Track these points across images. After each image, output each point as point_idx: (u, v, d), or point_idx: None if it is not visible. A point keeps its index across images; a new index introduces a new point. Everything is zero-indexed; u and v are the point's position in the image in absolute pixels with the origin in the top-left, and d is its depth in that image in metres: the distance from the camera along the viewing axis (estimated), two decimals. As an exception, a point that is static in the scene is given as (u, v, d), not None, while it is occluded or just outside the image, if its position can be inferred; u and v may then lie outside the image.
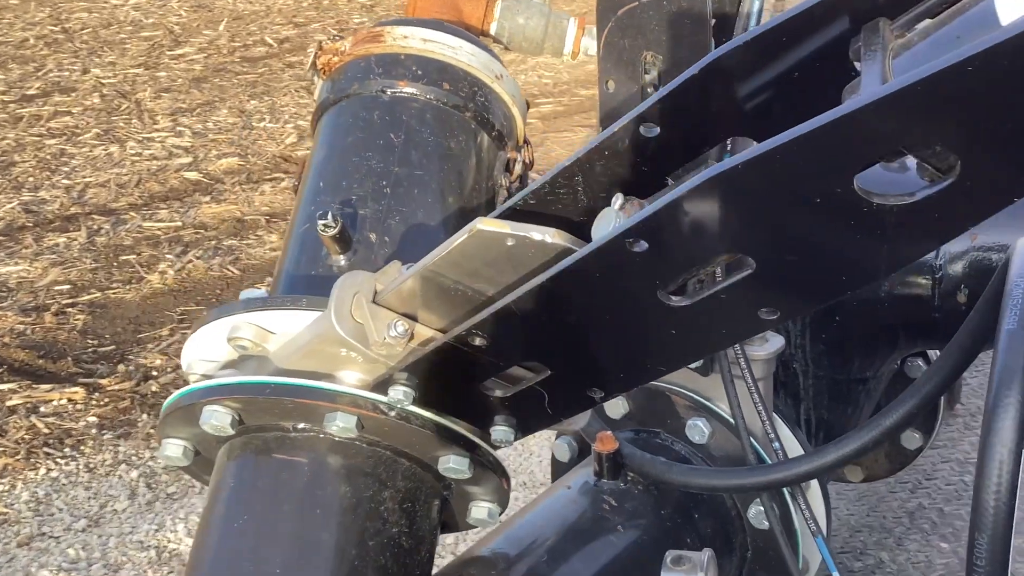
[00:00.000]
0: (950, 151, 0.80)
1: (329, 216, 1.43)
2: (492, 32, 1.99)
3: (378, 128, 1.61)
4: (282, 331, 1.38)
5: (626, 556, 1.62)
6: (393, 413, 1.31)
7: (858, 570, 2.27)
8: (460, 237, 1.15)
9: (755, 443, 1.72)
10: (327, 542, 1.30)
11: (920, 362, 2.14)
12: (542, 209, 1.21)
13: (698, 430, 1.78)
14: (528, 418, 1.28)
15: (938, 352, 2.07)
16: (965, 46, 0.72)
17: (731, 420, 1.73)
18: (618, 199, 1.12)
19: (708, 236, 0.93)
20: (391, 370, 1.25)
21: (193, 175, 5.86)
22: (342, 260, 1.48)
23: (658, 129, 1.06)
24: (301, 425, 1.34)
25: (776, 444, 1.68)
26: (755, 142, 1.09)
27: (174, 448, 1.43)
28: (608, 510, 1.67)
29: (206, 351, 1.44)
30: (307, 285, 1.50)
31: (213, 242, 5.17)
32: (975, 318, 1.40)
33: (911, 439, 2.19)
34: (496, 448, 1.40)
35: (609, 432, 1.73)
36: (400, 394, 1.26)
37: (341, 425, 1.30)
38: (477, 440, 1.37)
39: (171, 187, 5.71)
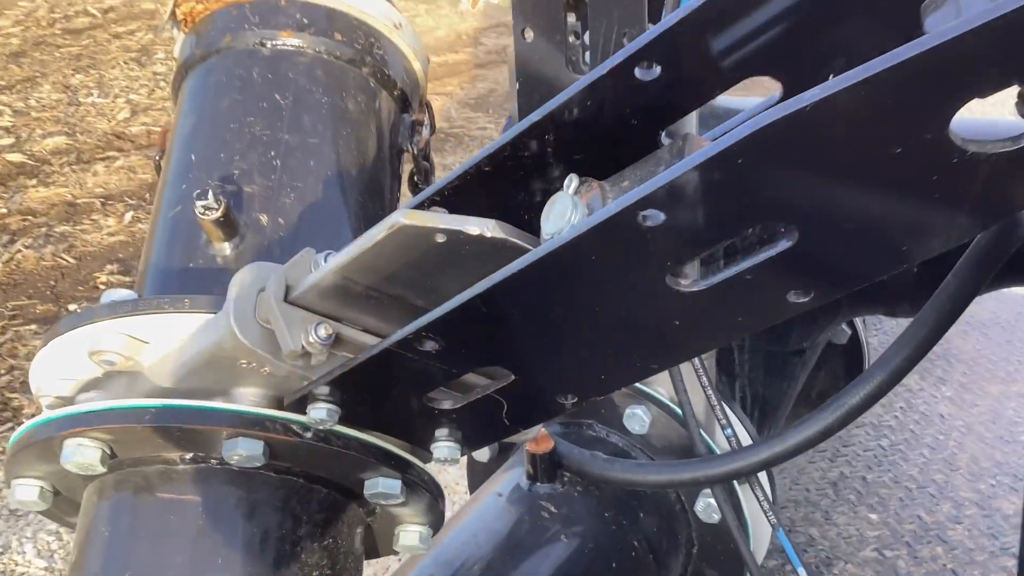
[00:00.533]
0: None
1: (210, 196, 1.17)
2: (383, -23, 1.74)
3: (260, 88, 1.35)
4: (158, 340, 1.12)
5: (573, 570, 1.42)
6: (309, 434, 1.07)
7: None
8: (379, 233, 0.91)
9: (702, 432, 1.54)
10: None
11: (844, 327, 2.01)
12: (488, 187, 0.97)
13: (637, 419, 1.59)
14: (478, 430, 1.07)
15: (878, 317, 1.95)
16: None
17: (672, 407, 1.55)
18: (572, 181, 0.91)
19: (746, 203, 0.73)
20: (311, 384, 1.01)
21: (16, 157, 5.38)
22: (227, 248, 1.23)
23: (659, 69, 0.84)
24: (190, 456, 1.08)
25: (728, 431, 1.51)
26: (781, 83, 0.89)
27: (27, 490, 1.16)
28: (548, 518, 1.47)
29: (61, 368, 1.17)
30: (184, 281, 1.24)
31: (43, 229, 4.75)
32: (955, 281, 1.24)
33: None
34: (428, 463, 1.18)
35: (544, 430, 1.52)
36: (323, 413, 1.02)
37: (244, 453, 1.05)
38: (409, 458, 1.15)
39: (-8, 170, 5.24)
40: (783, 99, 0.88)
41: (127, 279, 4.42)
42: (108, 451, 1.07)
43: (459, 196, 0.97)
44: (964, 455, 2.38)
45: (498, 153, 0.92)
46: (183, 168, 1.32)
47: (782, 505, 2.29)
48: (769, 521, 1.48)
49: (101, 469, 1.07)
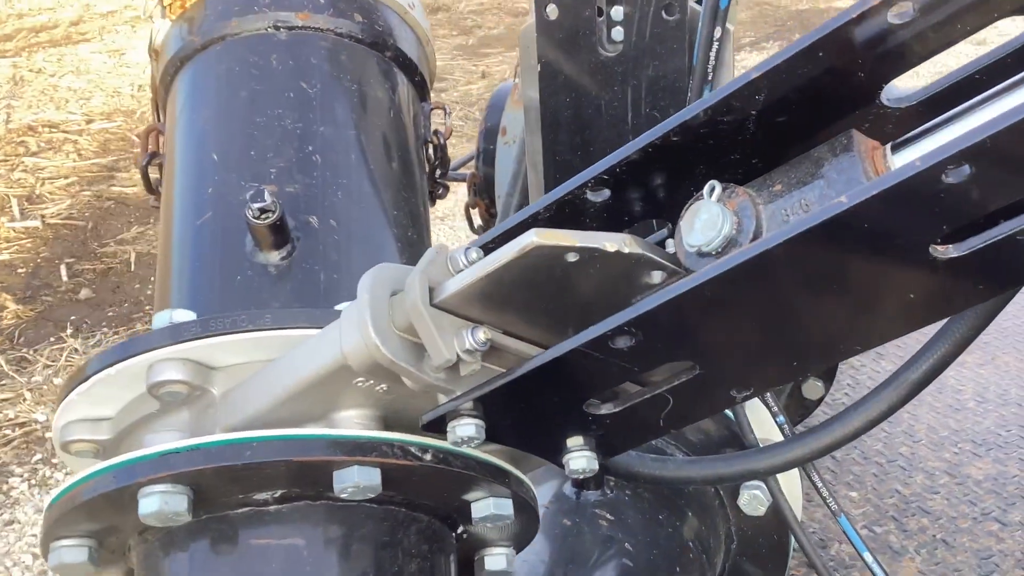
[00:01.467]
0: None
1: (267, 197, 1.03)
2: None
3: (282, 77, 1.20)
4: (229, 365, 0.97)
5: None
6: (428, 456, 0.94)
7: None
8: (512, 251, 0.81)
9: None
10: None
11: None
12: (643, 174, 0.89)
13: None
14: (625, 435, 0.96)
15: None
16: None
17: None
18: (716, 188, 0.84)
19: None
20: (458, 398, 0.88)
21: None
22: (276, 257, 1.08)
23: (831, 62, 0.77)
24: (281, 493, 0.94)
25: (780, 418, 1.45)
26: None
27: (75, 552, 0.99)
28: (606, 527, 1.37)
29: (99, 408, 1.01)
30: (231, 295, 1.09)
31: None
32: None
33: (813, 389, 2.05)
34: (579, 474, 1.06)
35: (587, 433, 1.42)
36: (471, 429, 0.89)
37: (361, 483, 0.91)
38: (520, 474, 1.03)
39: None
40: None
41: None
42: (192, 496, 0.92)
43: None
44: (921, 426, 2.42)
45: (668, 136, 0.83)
46: (203, 170, 1.17)
47: (763, 492, 2.27)
48: (831, 508, 1.43)
49: (188, 518, 0.91)
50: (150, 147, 1.31)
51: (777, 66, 0.79)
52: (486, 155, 2.20)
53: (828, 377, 2.06)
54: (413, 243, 1.18)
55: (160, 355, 0.95)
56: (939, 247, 0.74)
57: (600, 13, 1.37)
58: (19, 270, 5.20)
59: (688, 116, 0.83)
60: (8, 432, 3.95)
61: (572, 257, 0.83)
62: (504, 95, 2.25)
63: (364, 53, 1.26)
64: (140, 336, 0.97)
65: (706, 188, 0.86)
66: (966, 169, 0.67)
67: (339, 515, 0.95)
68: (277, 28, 1.22)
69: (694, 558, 1.43)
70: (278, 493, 0.94)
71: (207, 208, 1.13)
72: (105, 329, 4.25)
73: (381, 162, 1.21)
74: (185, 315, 0.99)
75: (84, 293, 4.62)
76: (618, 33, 1.35)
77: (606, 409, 0.91)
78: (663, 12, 1.30)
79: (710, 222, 0.85)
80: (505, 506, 1.01)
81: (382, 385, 0.91)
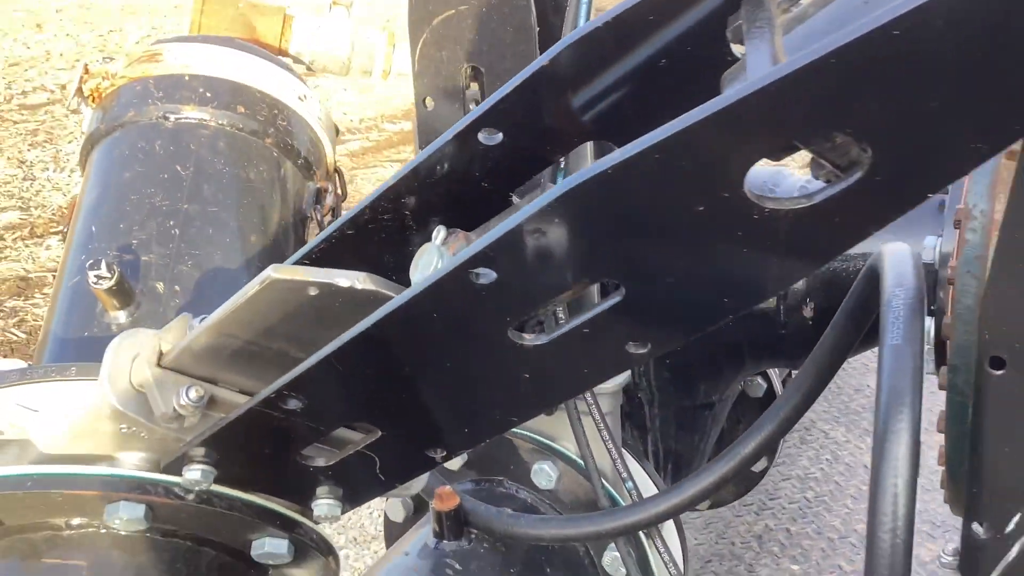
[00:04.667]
0: (859, 141, 0.66)
1: (103, 266, 1.20)
2: (292, 52, 1.80)
3: (161, 160, 1.39)
4: (48, 409, 1.14)
5: (478, 626, 1.44)
6: (191, 496, 1.09)
7: (714, 605, 2.17)
8: (252, 288, 0.95)
9: (606, 484, 1.57)
10: None
11: (760, 380, 2.05)
12: (361, 243, 1.01)
13: (544, 474, 1.62)
14: (357, 487, 1.09)
15: (781, 370, 2.00)
16: (886, 7, 0.58)
17: (580, 461, 1.58)
18: (440, 232, 0.95)
19: (569, 259, 0.77)
20: (186, 445, 1.03)
21: (-32, 233, 5.37)
22: (122, 317, 1.26)
23: (501, 135, 0.89)
24: (76, 521, 1.10)
25: (629, 484, 1.54)
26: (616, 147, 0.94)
27: None
28: (451, 575, 1.48)
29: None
30: (79, 350, 1.27)
31: (-7, 304, 4.74)
32: (833, 333, 1.29)
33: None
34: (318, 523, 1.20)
35: (448, 487, 1.54)
36: (198, 474, 1.04)
37: (126, 517, 1.07)
38: (297, 517, 1.17)
39: (-58, 247, 5.23)
40: None
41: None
42: None
43: (327, 258, 1.01)
44: (887, 505, 2.40)
45: (358, 217, 0.96)
46: (84, 239, 1.35)
47: (707, 559, 2.32)
48: (669, 572, 1.51)
49: None
50: (71, 218, 1.52)
51: (407, 174, 0.92)
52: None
53: (771, 449, 2.10)
54: None
55: None
56: (526, 335, 0.85)
57: (477, 103, 1.51)
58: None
59: (353, 213, 0.97)
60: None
61: (312, 291, 0.95)
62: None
63: (243, 140, 1.43)
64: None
65: (434, 232, 0.97)
66: (492, 273, 0.78)
67: (122, 543, 1.11)
68: (166, 118, 1.41)
69: (545, 611, 1.52)
70: (74, 521, 1.10)
71: (77, 272, 1.32)
72: None
73: (240, 235, 1.37)
74: (14, 364, 1.18)
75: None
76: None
77: (321, 462, 1.04)
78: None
79: (428, 262, 0.95)
80: (280, 546, 1.16)
81: (142, 432, 1.07)
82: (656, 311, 0.82)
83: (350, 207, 1.14)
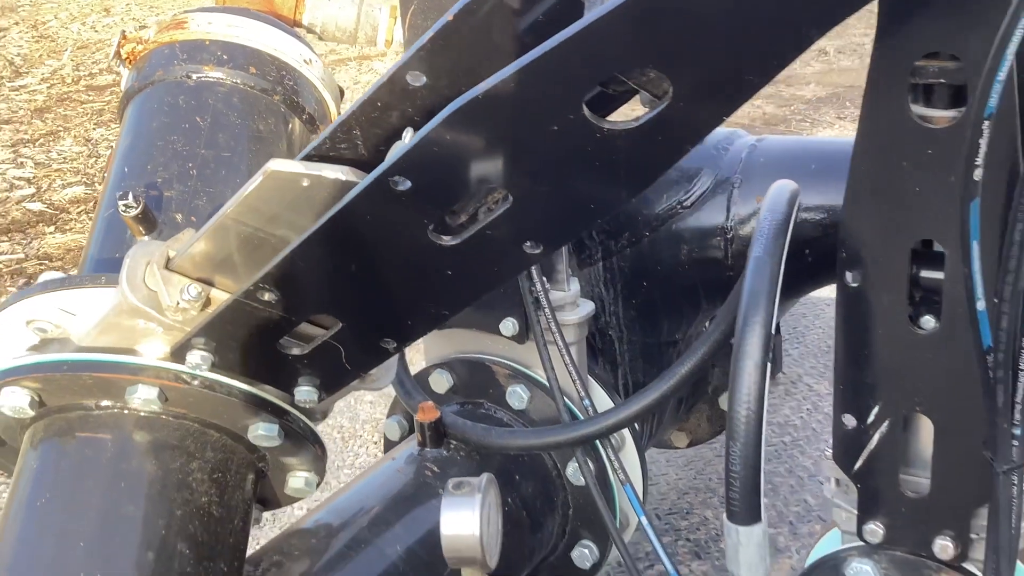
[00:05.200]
0: (661, 73, 0.88)
1: (130, 196, 1.44)
2: (305, 22, 2.04)
3: (183, 112, 1.63)
4: (84, 311, 1.38)
5: (448, 518, 1.67)
6: (196, 382, 1.33)
7: (683, 527, 2.37)
8: (255, 181, 1.17)
9: (571, 404, 1.79)
10: (132, 514, 1.31)
11: (734, 329, 2.24)
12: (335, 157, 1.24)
13: (517, 396, 1.85)
14: (329, 375, 1.32)
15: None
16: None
17: (547, 384, 1.80)
18: (408, 133, 1.16)
19: (464, 170, 0.99)
20: (188, 336, 1.27)
21: (36, 206, 5.70)
22: (145, 240, 1.50)
23: (424, 78, 1.11)
24: (104, 402, 1.34)
25: (586, 402, 1.76)
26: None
27: None
28: (431, 476, 1.72)
29: (7, 342, 1.44)
30: (110, 267, 1.51)
31: (59, 272, 5.04)
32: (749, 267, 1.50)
33: (727, 401, 2.29)
34: (307, 409, 1.43)
35: (430, 402, 1.78)
36: (197, 358, 1.28)
37: (143, 398, 1.31)
38: (285, 406, 1.40)
39: (12, 219, 5.55)
40: None
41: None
42: (37, 398, 1.34)
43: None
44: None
45: (320, 146, 1.20)
46: (118, 178, 1.60)
47: (684, 492, 2.52)
48: (618, 477, 1.73)
49: (30, 412, 1.34)
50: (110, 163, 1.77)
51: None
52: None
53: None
54: None
55: (35, 301, 1.39)
56: (444, 236, 1.08)
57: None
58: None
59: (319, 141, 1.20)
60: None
61: (305, 182, 1.15)
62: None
63: (254, 96, 1.67)
64: (26, 288, 1.42)
65: (404, 131, 1.18)
66: (407, 182, 1.01)
67: (141, 422, 1.36)
68: (189, 77, 1.66)
69: (510, 512, 1.75)
70: (102, 402, 1.35)
71: (112, 205, 1.56)
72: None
73: (248, 177, 1.61)
74: (55, 275, 1.43)
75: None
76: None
77: (296, 351, 1.28)
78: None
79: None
80: (272, 430, 1.39)
81: (155, 326, 1.31)
82: (540, 215, 1.04)
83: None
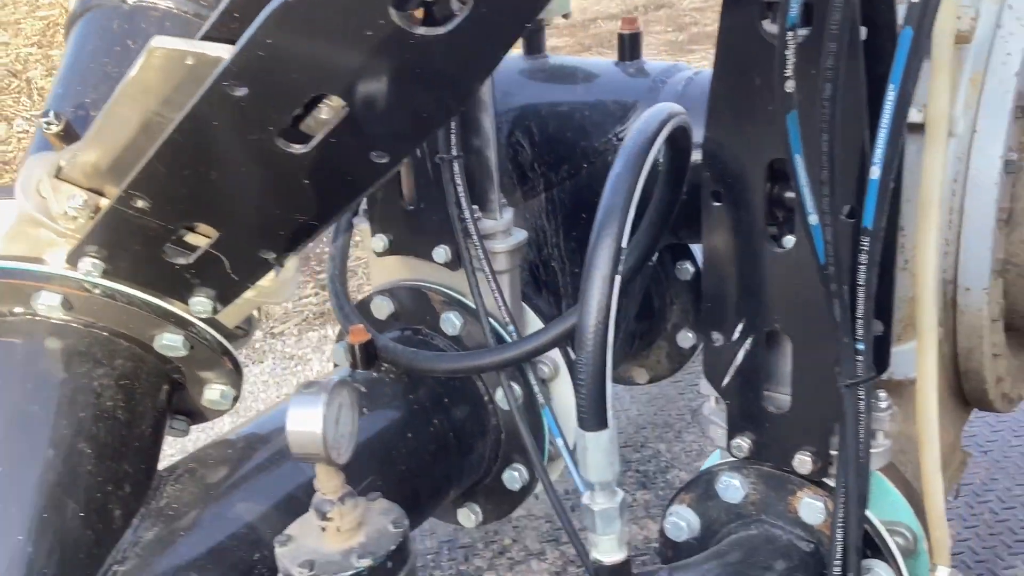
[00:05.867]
0: None
1: (51, 114, 1.50)
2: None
3: (116, 36, 1.68)
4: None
5: (369, 435, 1.72)
6: (98, 291, 1.38)
7: (635, 459, 2.40)
8: (139, 60, 1.18)
9: (497, 327, 1.82)
10: (37, 414, 1.37)
11: (689, 265, 2.24)
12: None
13: (450, 323, 1.88)
14: (221, 286, 1.37)
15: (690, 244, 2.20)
16: None
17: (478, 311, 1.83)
18: None
19: (292, 76, 1.03)
20: (80, 244, 1.33)
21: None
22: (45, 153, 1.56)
23: None
24: (16, 309, 1.41)
25: (511, 327, 1.79)
26: None
27: None
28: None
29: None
30: None
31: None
32: (656, 195, 1.52)
33: (685, 338, 2.31)
34: (218, 323, 1.48)
35: (360, 325, 1.82)
36: (88, 265, 1.34)
37: (47, 304, 1.37)
38: (190, 317, 1.46)
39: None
40: None
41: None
42: None
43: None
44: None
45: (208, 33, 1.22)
46: (53, 100, 1.67)
47: (642, 426, 2.55)
48: (538, 399, 1.76)
49: None
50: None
51: None
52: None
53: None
54: None
55: None
56: (294, 145, 1.11)
57: None
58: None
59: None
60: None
61: (189, 60, 1.15)
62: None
63: (186, 21, 1.72)
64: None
65: None
66: (243, 88, 1.04)
67: (51, 329, 1.42)
68: (124, 2, 1.71)
69: (436, 433, 1.79)
70: (15, 309, 1.42)
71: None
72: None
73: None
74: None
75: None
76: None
77: (181, 260, 1.33)
78: None
79: None
80: (176, 340, 1.45)
81: (54, 235, 1.37)
82: (377, 124, 1.07)
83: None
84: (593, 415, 1.18)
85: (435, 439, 1.80)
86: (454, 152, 1.77)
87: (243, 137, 1.11)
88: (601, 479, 1.23)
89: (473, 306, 1.89)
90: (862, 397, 1.19)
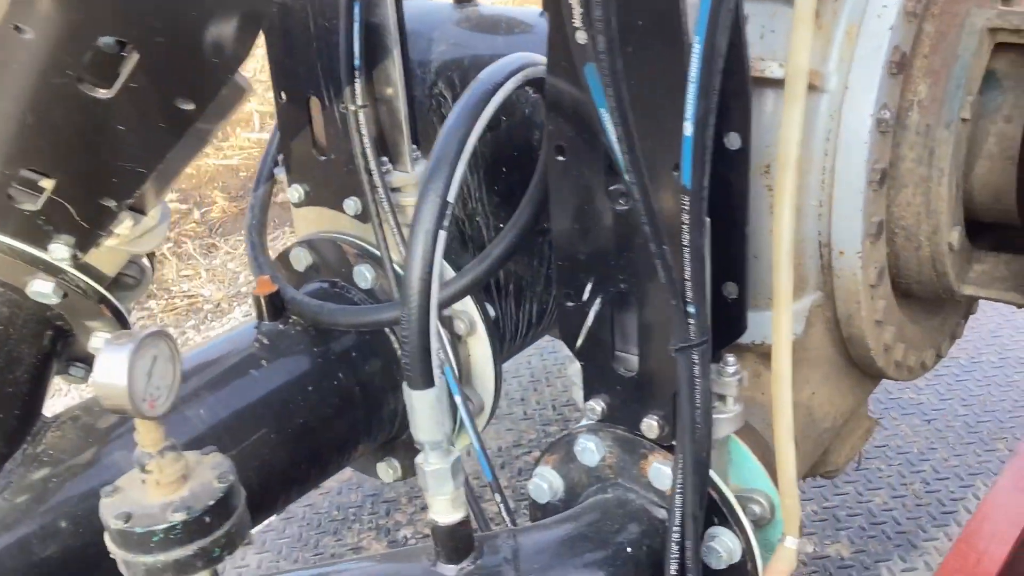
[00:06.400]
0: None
1: None
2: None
3: None
4: None
5: (266, 387, 1.71)
6: None
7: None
8: None
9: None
10: None
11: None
12: None
13: (362, 276, 1.86)
14: (75, 232, 1.36)
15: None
16: None
17: (395, 266, 1.80)
18: None
19: (72, 18, 1.00)
20: None
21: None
22: None
23: None
24: None
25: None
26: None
27: None
28: (258, 347, 1.75)
29: None
30: None
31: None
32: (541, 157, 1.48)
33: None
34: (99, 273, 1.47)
35: (266, 276, 1.81)
36: None
37: None
38: (60, 264, 1.45)
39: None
40: None
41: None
42: None
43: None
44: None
45: None
46: None
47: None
48: (451, 369, 1.74)
49: None
50: None
51: None
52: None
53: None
54: None
55: None
56: (101, 90, 1.09)
57: None
58: (240, 174, 6.01)
59: None
60: (177, 301, 4.74)
61: None
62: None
63: None
64: None
65: None
66: (28, 33, 1.02)
67: None
68: None
69: (340, 386, 1.77)
70: None
71: None
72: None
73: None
74: None
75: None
76: None
77: (29, 205, 1.31)
78: None
79: None
80: (46, 287, 1.44)
81: None
82: (171, 70, 1.05)
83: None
84: (419, 373, 1.16)
85: (339, 393, 1.78)
86: (359, 102, 1.74)
87: (47, 81, 1.09)
88: (431, 439, 1.20)
89: (381, 257, 1.86)
90: (696, 361, 1.14)
